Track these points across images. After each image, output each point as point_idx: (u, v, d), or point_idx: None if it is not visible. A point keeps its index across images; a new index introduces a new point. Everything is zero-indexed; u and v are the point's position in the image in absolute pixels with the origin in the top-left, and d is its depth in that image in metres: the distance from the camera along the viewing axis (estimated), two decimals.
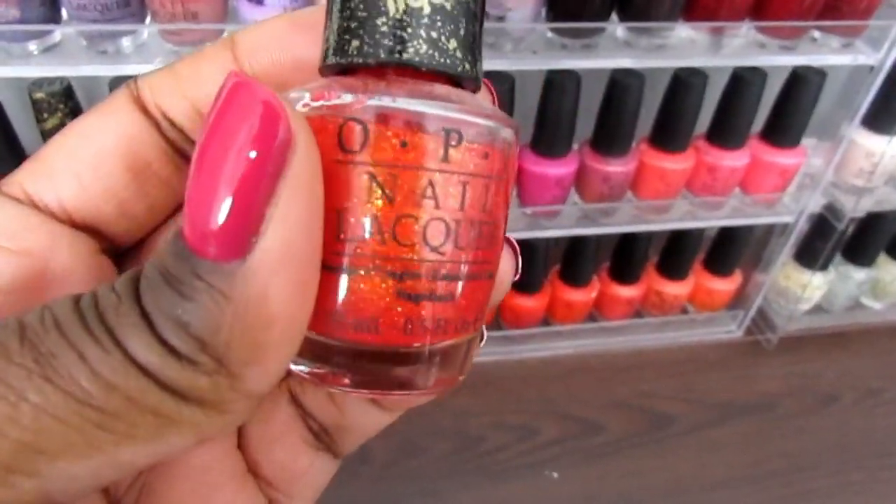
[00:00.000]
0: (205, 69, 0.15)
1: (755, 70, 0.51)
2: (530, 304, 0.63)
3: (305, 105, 0.12)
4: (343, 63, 0.12)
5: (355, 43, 0.12)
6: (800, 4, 0.46)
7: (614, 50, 0.47)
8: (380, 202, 0.12)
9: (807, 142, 0.56)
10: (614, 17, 0.47)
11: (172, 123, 0.15)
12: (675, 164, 0.54)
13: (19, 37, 0.40)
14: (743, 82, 0.51)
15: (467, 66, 0.13)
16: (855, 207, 0.57)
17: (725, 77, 0.52)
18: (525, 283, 0.62)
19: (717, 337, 0.71)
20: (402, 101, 0.12)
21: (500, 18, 0.44)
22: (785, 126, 0.54)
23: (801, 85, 0.52)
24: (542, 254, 0.60)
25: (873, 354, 0.71)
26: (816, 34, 0.50)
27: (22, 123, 0.45)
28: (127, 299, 0.11)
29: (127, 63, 0.41)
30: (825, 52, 0.49)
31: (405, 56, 0.12)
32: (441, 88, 0.12)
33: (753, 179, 0.56)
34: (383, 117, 0.11)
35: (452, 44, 0.12)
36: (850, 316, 0.71)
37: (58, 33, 0.41)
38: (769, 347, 0.70)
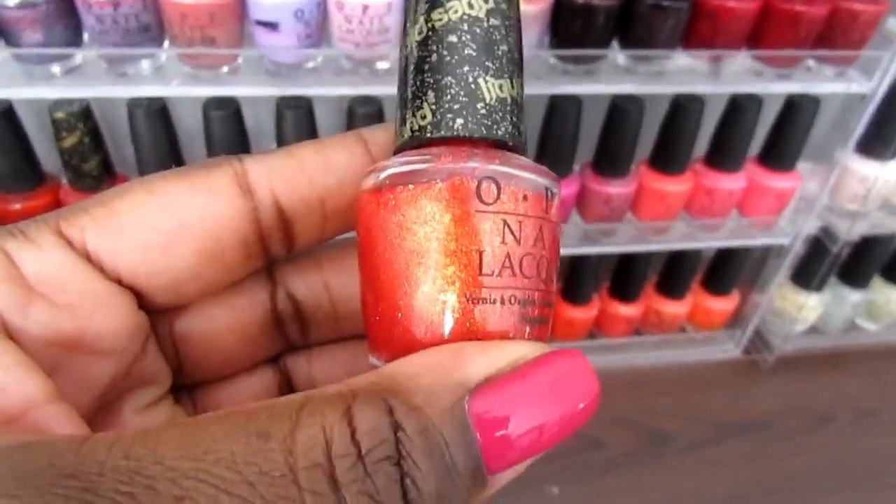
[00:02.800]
0: (334, 159, 0.16)
1: (752, 97, 0.52)
2: None
3: (435, 170, 0.14)
4: (448, 136, 0.15)
5: (460, 121, 0.15)
6: (795, 34, 0.48)
7: (615, 76, 0.49)
8: (512, 243, 0.14)
9: (802, 166, 0.57)
10: (615, 44, 0.49)
11: (281, 210, 0.15)
12: (674, 187, 0.55)
13: (42, 59, 0.41)
14: (740, 108, 0.52)
15: (525, 140, 0.16)
16: (849, 231, 0.58)
17: (723, 103, 0.54)
18: None
19: (715, 356, 0.71)
20: (512, 168, 0.15)
21: None
22: (781, 151, 0.56)
23: (796, 111, 0.53)
24: None
25: (869, 375, 0.72)
26: (811, 63, 0.51)
27: (39, 142, 0.47)
28: None
29: (145, 84, 0.42)
30: (819, 80, 0.51)
31: (499, 133, 0.15)
32: (524, 159, 0.15)
33: (750, 202, 0.58)
34: (507, 177, 0.14)
35: (522, 126, 0.16)
36: (846, 337, 0.72)
37: (79, 56, 0.43)
38: (766, 367, 0.71)
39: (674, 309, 0.67)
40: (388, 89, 0.45)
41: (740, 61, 0.51)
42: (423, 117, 0.15)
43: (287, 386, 0.18)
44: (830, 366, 0.72)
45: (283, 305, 0.17)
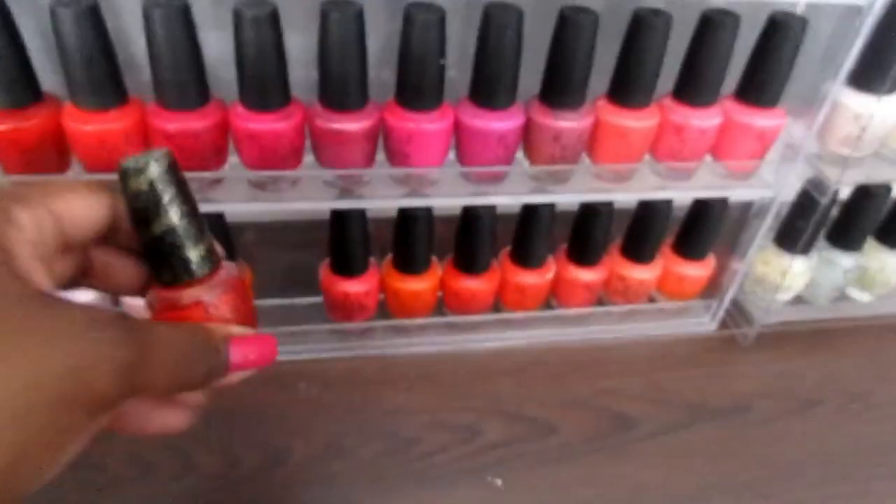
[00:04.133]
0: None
1: (727, 13, 0.44)
2: (476, 286, 0.56)
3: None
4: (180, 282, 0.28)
5: (181, 272, 0.27)
6: None
7: None
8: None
9: (787, 106, 0.49)
10: None
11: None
12: (637, 122, 0.47)
13: None
14: (713, 26, 0.44)
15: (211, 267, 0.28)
16: (840, 178, 0.50)
17: (693, 21, 0.45)
18: (470, 262, 0.55)
19: (688, 330, 0.63)
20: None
21: None
22: (762, 82, 0.47)
23: (780, 32, 0.45)
24: (488, 227, 0.52)
25: (860, 353, 0.64)
26: None
27: None
28: None
29: None
30: None
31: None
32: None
33: (727, 144, 0.50)
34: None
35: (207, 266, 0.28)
36: (835, 309, 0.64)
37: None
38: (746, 343, 0.63)
39: (641, 274, 0.58)
40: None
41: None
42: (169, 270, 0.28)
43: None
44: (818, 342, 0.64)
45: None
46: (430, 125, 0.44)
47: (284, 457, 0.50)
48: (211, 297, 0.27)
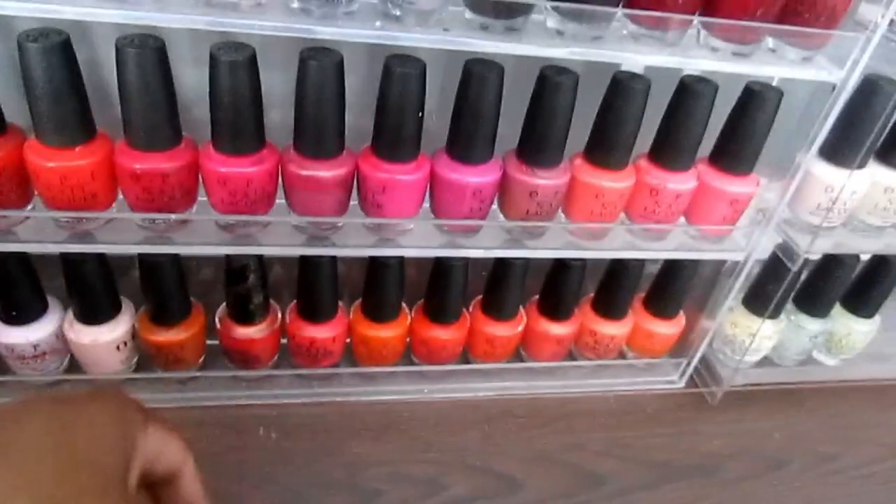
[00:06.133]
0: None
1: (705, 81, 0.45)
2: (446, 336, 0.55)
3: None
4: None
5: None
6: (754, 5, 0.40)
7: (543, 38, 0.40)
8: None
9: (761, 174, 0.50)
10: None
11: None
12: (613, 183, 0.47)
13: None
14: (691, 93, 0.45)
15: None
16: (809, 247, 0.50)
17: (672, 87, 0.46)
18: (441, 312, 0.54)
19: (656, 387, 0.63)
20: None
21: None
22: (737, 149, 0.48)
23: (756, 102, 0.46)
24: (460, 278, 0.52)
25: (827, 416, 0.64)
26: (772, 43, 0.44)
27: None
28: None
29: None
30: (782, 63, 0.44)
31: None
32: None
33: (700, 207, 0.50)
34: None
35: None
36: (802, 372, 0.64)
37: None
38: (713, 402, 0.63)
39: (611, 330, 0.58)
40: None
41: (693, 34, 0.43)
42: None
43: None
44: (785, 402, 0.64)
45: None
46: (405, 176, 0.43)
47: None
48: None
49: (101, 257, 0.45)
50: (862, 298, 0.60)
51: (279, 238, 0.45)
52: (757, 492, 0.56)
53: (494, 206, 0.48)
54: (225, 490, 0.48)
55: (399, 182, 0.43)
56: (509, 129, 0.45)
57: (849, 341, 0.62)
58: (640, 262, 0.54)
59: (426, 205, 0.47)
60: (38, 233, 0.42)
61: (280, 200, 0.45)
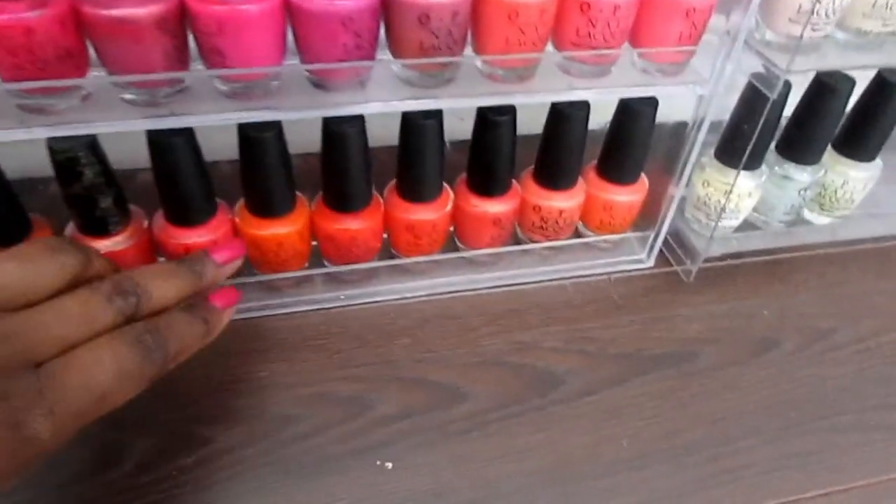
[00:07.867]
0: None
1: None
2: (355, 226, 0.45)
3: None
4: None
5: None
6: None
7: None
8: None
9: None
10: None
11: None
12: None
13: None
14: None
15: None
16: (790, 66, 0.40)
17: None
18: (344, 197, 0.44)
19: (621, 269, 0.54)
20: None
21: None
22: None
23: None
24: (359, 152, 0.41)
25: (821, 286, 0.55)
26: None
27: None
28: None
29: None
30: None
31: None
32: None
33: (649, 25, 0.39)
34: None
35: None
36: (790, 236, 0.55)
37: None
38: (688, 280, 0.54)
39: (559, 203, 0.48)
40: None
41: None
42: None
43: None
44: (771, 275, 0.55)
45: None
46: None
47: (119, 456, 0.39)
48: None
49: None
50: (859, 137, 0.49)
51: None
52: (743, 378, 0.47)
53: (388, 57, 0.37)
54: (101, 435, 0.40)
55: (242, 13, 0.32)
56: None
57: (844, 192, 0.52)
58: (583, 109, 0.43)
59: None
60: None
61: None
